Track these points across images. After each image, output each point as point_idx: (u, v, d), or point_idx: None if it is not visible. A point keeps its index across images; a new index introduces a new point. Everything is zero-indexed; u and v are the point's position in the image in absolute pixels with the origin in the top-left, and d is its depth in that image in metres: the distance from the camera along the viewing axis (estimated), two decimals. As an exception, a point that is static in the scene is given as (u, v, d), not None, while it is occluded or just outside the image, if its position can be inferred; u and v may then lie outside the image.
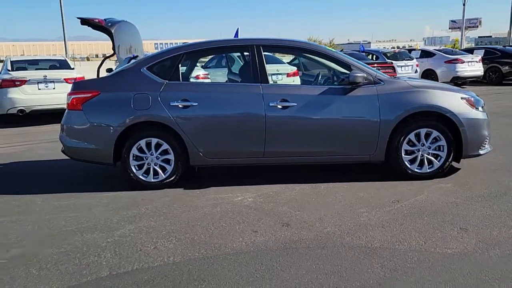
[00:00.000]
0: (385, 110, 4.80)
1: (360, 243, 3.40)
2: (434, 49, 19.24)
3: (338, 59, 5.04)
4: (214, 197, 4.64)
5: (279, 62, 11.02)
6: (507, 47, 21.26)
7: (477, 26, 77.59)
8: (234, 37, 8.80)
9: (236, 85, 5.00)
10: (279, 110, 4.79)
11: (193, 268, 3.10)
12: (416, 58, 17.54)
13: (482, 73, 17.44)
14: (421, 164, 4.96)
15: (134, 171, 4.91)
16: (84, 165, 5.87)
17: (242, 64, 5.56)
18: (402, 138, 4.86)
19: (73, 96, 4.95)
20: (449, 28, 77.57)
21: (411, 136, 4.89)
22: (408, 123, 4.84)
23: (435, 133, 4.88)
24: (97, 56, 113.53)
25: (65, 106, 5.08)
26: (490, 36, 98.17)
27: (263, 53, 4.93)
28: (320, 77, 5.36)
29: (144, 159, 4.91)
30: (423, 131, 4.88)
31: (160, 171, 4.93)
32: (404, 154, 4.92)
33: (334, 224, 3.82)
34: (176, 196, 4.70)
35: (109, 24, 5.10)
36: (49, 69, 11.11)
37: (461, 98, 4.96)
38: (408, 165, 4.95)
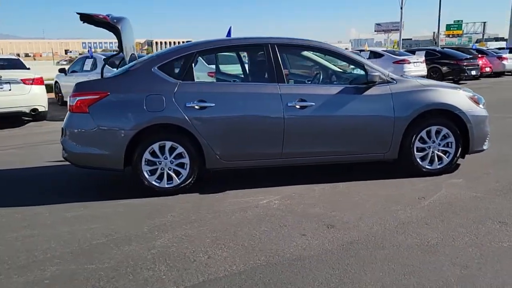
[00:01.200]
0: (399, 109, 4.88)
1: (417, 242, 3.41)
2: (382, 50, 20.01)
3: (351, 58, 5.05)
4: (237, 201, 4.47)
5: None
6: (445, 49, 22.61)
7: (399, 29, 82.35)
8: (227, 36, 8.60)
9: (253, 84, 4.85)
10: (297, 110, 4.72)
11: (264, 277, 2.96)
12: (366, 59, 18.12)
13: (426, 73, 18.37)
14: (431, 161, 5.09)
15: (147, 176, 4.63)
16: (71, 171, 5.51)
17: (242, 63, 5.41)
18: (415, 136, 4.96)
19: (78, 98, 4.57)
20: (375, 31, 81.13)
21: (423, 133, 5.00)
22: (420, 121, 4.95)
23: (444, 130, 5.03)
24: (18, 55, 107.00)
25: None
26: (411, 39, 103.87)
27: (278, 52, 4.83)
28: (333, 76, 5.34)
29: (157, 163, 4.65)
30: (433, 129, 5.02)
31: (174, 176, 4.68)
32: (416, 152, 5.02)
33: (377, 223, 3.81)
34: (197, 202, 4.49)
35: (115, 20, 4.76)
36: (2, 69, 10.26)
37: (466, 96, 5.14)
38: (420, 162, 5.05)
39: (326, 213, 4.07)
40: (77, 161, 4.71)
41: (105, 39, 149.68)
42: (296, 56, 5.60)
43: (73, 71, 12.33)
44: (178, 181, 4.69)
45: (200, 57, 5.13)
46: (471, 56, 20.69)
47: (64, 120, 4.76)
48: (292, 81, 5.05)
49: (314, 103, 4.74)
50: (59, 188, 5.16)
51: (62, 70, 12.83)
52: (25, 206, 4.47)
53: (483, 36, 74.61)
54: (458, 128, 5.04)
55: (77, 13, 4.80)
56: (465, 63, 19.58)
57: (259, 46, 4.89)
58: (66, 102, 5.02)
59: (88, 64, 11.60)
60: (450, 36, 63.03)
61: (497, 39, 77.57)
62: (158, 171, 4.66)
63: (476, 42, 57.51)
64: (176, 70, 4.77)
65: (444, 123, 5.02)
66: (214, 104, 4.60)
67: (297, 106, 4.71)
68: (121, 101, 4.57)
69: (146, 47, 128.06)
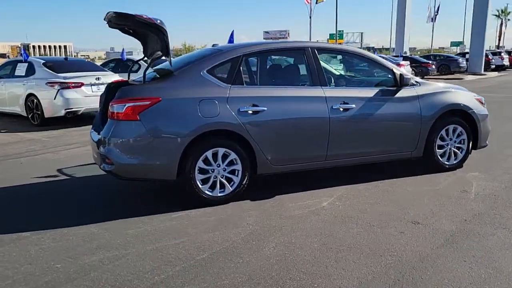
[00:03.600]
0: (424, 109, 5.22)
1: (505, 231, 3.70)
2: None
3: (380, 62, 5.28)
4: (298, 205, 4.45)
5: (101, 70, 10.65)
6: (413, 56, 24.24)
7: (286, 37, 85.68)
8: (230, 39, 8.29)
9: (301, 88, 4.84)
10: (341, 113, 4.83)
11: (407, 276, 3.02)
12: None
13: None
14: (449, 157, 5.52)
15: (200, 186, 4.40)
16: (86, 186, 5.05)
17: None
18: (436, 134, 5.34)
19: (127, 105, 4.19)
20: (264, 39, 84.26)
21: (443, 132, 5.41)
22: (441, 120, 5.34)
23: (459, 128, 5.49)
24: None
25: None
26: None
27: (318, 56, 4.90)
28: (365, 79, 5.52)
29: (210, 171, 4.43)
30: (451, 127, 5.45)
31: (227, 183, 4.51)
32: (437, 149, 5.42)
33: (453, 216, 4.06)
34: (259, 208, 4.37)
35: (158, 21, 4.40)
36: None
37: (474, 96, 5.67)
38: (440, 159, 5.46)
39: (396, 211, 4.23)
40: (127, 174, 4.31)
41: (46, 42, 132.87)
42: (331, 59, 5.68)
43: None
44: (231, 189, 4.53)
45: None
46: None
47: (105, 129, 4.32)
48: (333, 84, 5.13)
49: (354, 106, 4.88)
50: (93, 204, 4.66)
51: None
52: (75, 226, 3.98)
53: (361, 45, 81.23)
54: (469, 126, 5.53)
55: (115, 13, 4.37)
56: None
57: (302, 49, 4.90)
58: None
59: (21, 68, 10.44)
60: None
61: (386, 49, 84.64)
62: (211, 180, 4.45)
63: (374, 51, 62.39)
64: (225, 74, 4.59)
65: (459, 122, 5.47)
66: (266, 108, 4.52)
67: (341, 109, 4.82)
68: (174, 107, 4.29)
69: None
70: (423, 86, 5.33)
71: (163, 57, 4.58)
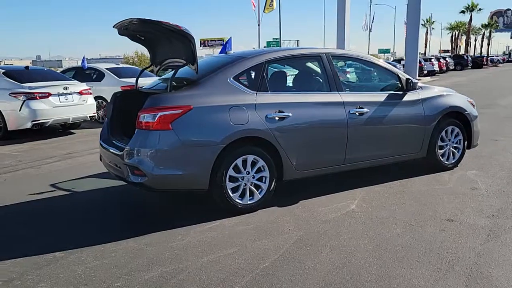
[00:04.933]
0: (428, 112, 5.49)
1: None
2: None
3: (387, 68, 5.48)
4: (327, 209, 4.50)
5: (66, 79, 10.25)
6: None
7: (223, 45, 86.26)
8: (227, 47, 8.05)
9: (321, 93, 4.90)
10: (357, 117, 4.95)
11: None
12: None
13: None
14: (448, 157, 5.82)
15: (231, 194, 4.34)
16: (95, 198, 4.85)
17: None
18: (437, 135, 5.61)
19: (159, 114, 4.05)
20: (200, 45, 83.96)
21: (443, 133, 5.69)
22: (441, 122, 5.63)
23: (456, 129, 5.81)
24: None
25: None
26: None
27: (333, 62, 5.01)
28: (374, 84, 5.68)
29: (240, 179, 4.39)
30: (449, 129, 5.75)
31: (255, 191, 4.48)
32: (439, 149, 5.69)
33: (481, 212, 4.29)
34: (291, 214, 4.37)
35: (185, 28, 4.25)
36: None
37: (466, 99, 6.03)
38: (441, 159, 5.74)
39: (424, 210, 4.40)
40: (159, 185, 4.15)
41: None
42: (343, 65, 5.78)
43: None
44: (259, 196, 4.50)
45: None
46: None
47: (134, 140, 4.14)
48: (348, 89, 5.24)
49: (368, 110, 5.03)
50: (116, 218, 4.44)
51: None
52: (110, 243, 3.78)
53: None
54: (464, 127, 5.86)
55: (138, 19, 4.21)
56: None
57: (318, 56, 4.97)
58: None
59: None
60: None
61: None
62: (241, 188, 4.40)
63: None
64: (250, 81, 4.57)
65: (456, 123, 5.79)
66: (291, 114, 4.55)
67: (357, 113, 4.95)
68: (205, 115, 4.20)
69: None
70: (425, 90, 5.59)
71: (188, 65, 4.45)
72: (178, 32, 4.23)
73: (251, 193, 4.46)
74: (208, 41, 76.05)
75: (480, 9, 64.57)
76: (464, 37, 70.78)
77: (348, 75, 6.45)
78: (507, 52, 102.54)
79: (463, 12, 64.81)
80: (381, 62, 5.60)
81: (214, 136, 4.18)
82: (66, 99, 9.49)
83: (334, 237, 3.78)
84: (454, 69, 47.28)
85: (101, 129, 5.15)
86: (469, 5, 63.26)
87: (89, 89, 10.18)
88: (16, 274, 3.27)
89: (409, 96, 5.40)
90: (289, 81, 5.18)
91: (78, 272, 3.28)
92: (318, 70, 5.03)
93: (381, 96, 5.24)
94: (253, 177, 4.45)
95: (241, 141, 4.32)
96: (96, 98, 10.65)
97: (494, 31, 76.25)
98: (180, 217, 4.36)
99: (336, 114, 4.83)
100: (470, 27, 66.53)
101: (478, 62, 54.85)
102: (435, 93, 5.67)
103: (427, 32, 67.37)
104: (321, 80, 4.99)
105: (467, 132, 5.92)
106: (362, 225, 4.04)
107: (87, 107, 9.96)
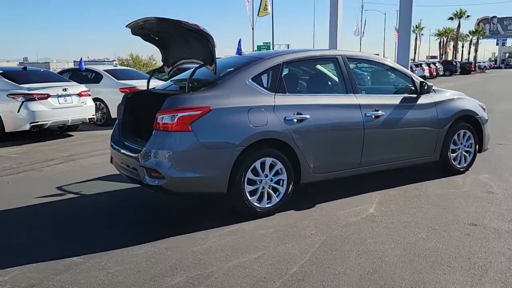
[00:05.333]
0: (441, 115, 5.45)
1: (559, 226, 3.94)
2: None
3: (401, 70, 5.44)
4: (346, 212, 4.43)
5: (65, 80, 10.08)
6: None
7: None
8: (238, 46, 7.94)
9: (338, 95, 4.83)
10: (373, 120, 4.90)
11: (512, 273, 3.11)
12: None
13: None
14: (460, 161, 5.79)
15: (249, 198, 4.24)
16: (105, 201, 4.73)
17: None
18: (450, 139, 5.58)
19: (179, 115, 3.94)
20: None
21: (455, 136, 5.66)
22: (454, 126, 5.59)
23: (468, 133, 5.78)
24: None
25: None
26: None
27: (349, 64, 4.96)
28: (389, 87, 5.63)
29: (258, 182, 4.30)
30: (461, 132, 5.72)
31: (273, 194, 4.40)
32: (451, 153, 5.66)
33: (502, 216, 4.25)
34: (310, 218, 4.29)
35: (204, 28, 4.15)
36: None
37: (478, 103, 6.01)
38: (453, 162, 5.71)
39: (444, 213, 4.35)
40: (177, 188, 4.04)
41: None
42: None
43: None
44: (277, 200, 4.41)
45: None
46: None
47: (152, 141, 4.03)
48: (363, 91, 5.17)
49: (384, 112, 4.98)
50: (131, 221, 4.32)
51: None
52: (129, 247, 3.66)
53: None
54: (476, 130, 5.84)
55: (156, 18, 4.11)
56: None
57: (334, 58, 4.91)
58: None
59: None
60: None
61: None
62: (259, 191, 4.31)
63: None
64: (268, 82, 4.49)
65: (467, 127, 5.76)
66: (309, 116, 4.47)
67: (373, 116, 4.89)
68: (225, 116, 4.11)
69: None
70: (438, 93, 5.56)
71: (206, 66, 4.36)
72: (197, 32, 4.14)
73: (269, 196, 4.37)
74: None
75: (468, 16, 65.44)
76: (452, 43, 71.53)
77: (365, 78, 6.34)
78: (493, 59, 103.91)
79: (451, 18, 65.64)
80: (396, 64, 5.55)
81: (234, 138, 4.09)
82: (65, 101, 9.32)
83: (359, 242, 3.70)
84: (443, 75, 47.71)
85: (99, 131, 5.04)
86: (457, 12, 64.09)
87: (88, 90, 10.00)
88: (35, 279, 3.15)
89: (423, 99, 5.36)
90: (306, 83, 5.10)
91: (100, 278, 3.16)
92: (335, 72, 4.96)
93: (396, 99, 5.19)
94: (271, 180, 4.36)
95: (260, 143, 4.23)
96: (94, 100, 10.47)
97: (481, 37, 77.21)
98: (198, 220, 4.27)
99: (352, 117, 4.77)
100: (458, 33, 67.33)
101: (466, 68, 55.43)
102: (448, 96, 5.64)
103: (416, 38, 68.01)
104: (337, 82, 4.93)
105: (478, 135, 5.89)
106: (384, 229, 3.98)
107: (86, 109, 9.78)
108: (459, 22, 64.38)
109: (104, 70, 11.66)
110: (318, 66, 5.15)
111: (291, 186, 4.46)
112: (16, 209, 4.73)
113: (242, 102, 4.21)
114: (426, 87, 5.30)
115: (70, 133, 10.25)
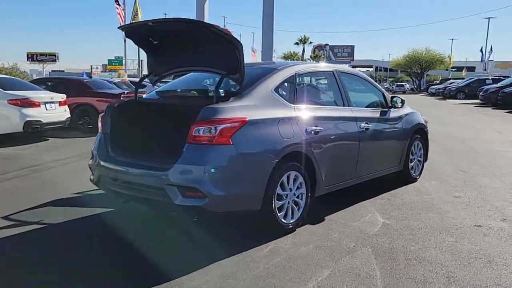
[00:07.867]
0: (406, 128, 5.92)
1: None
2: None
3: (376, 86, 5.75)
4: (361, 223, 4.47)
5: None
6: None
7: (55, 60, 79.31)
8: None
9: (339, 108, 4.87)
10: (364, 132, 5.09)
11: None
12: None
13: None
14: (415, 169, 6.31)
15: (278, 213, 4.05)
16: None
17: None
18: (409, 149, 6.07)
19: (220, 127, 3.58)
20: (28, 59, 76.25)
21: (413, 148, 6.17)
22: (412, 138, 6.10)
23: (420, 144, 6.36)
24: None
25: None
26: (63, 71, 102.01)
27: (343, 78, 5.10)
28: (364, 100, 5.83)
29: (284, 197, 4.13)
30: (416, 143, 6.27)
31: (296, 209, 4.27)
32: (410, 163, 6.15)
33: (493, 216, 4.71)
34: (336, 230, 4.24)
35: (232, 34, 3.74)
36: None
37: (423, 117, 6.65)
38: (411, 171, 6.21)
39: (445, 218, 4.66)
40: (219, 207, 3.64)
41: None
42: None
43: None
44: (298, 214, 4.29)
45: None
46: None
47: (186, 156, 3.58)
48: (354, 104, 5.28)
49: (371, 125, 5.21)
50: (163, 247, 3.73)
51: None
52: (185, 276, 3.18)
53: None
54: (424, 141, 6.45)
55: (188, 20, 3.65)
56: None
57: (331, 72, 4.99)
58: None
59: None
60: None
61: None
62: (285, 206, 4.14)
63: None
64: (286, 93, 4.36)
65: (420, 138, 6.34)
66: (322, 128, 4.47)
67: (365, 128, 5.09)
68: (260, 128, 3.86)
69: None
70: (401, 108, 5.98)
71: (230, 76, 4.05)
72: (225, 38, 3.83)
73: (292, 212, 4.21)
74: (37, 55, 67.69)
75: (310, 42, 72.08)
76: (296, 66, 77.45)
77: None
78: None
79: (297, 43, 71.54)
80: (371, 80, 5.84)
81: (269, 151, 3.88)
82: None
83: (403, 250, 3.77)
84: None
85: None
86: (302, 38, 70.29)
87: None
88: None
89: (394, 113, 5.73)
90: (313, 95, 5.07)
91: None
92: (332, 85, 5.03)
93: (376, 112, 5.47)
94: (294, 195, 4.21)
95: (287, 156, 4.07)
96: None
97: (319, 61, 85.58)
98: (223, 240, 3.89)
99: (352, 129, 4.90)
100: (303, 57, 73.44)
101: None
102: (408, 111, 6.13)
103: (267, 60, 72.07)
104: (337, 95, 5.00)
105: (426, 146, 6.50)
106: (412, 236, 4.12)
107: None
108: (303, 47, 70.45)
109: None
110: (322, 79, 5.17)
111: (309, 200, 4.36)
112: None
113: (271, 114, 4.01)
114: (395, 102, 5.68)
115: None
